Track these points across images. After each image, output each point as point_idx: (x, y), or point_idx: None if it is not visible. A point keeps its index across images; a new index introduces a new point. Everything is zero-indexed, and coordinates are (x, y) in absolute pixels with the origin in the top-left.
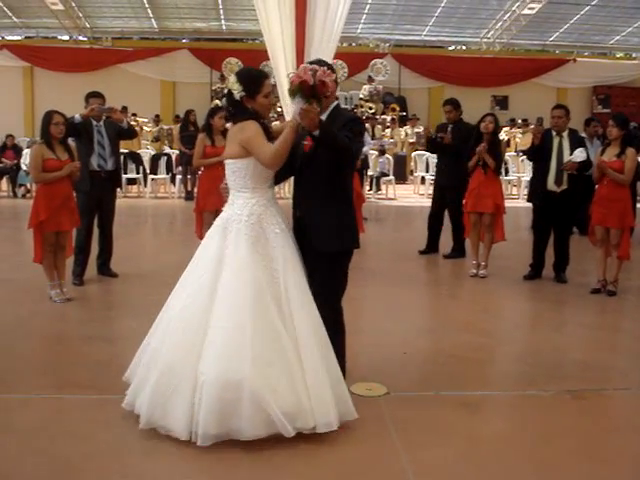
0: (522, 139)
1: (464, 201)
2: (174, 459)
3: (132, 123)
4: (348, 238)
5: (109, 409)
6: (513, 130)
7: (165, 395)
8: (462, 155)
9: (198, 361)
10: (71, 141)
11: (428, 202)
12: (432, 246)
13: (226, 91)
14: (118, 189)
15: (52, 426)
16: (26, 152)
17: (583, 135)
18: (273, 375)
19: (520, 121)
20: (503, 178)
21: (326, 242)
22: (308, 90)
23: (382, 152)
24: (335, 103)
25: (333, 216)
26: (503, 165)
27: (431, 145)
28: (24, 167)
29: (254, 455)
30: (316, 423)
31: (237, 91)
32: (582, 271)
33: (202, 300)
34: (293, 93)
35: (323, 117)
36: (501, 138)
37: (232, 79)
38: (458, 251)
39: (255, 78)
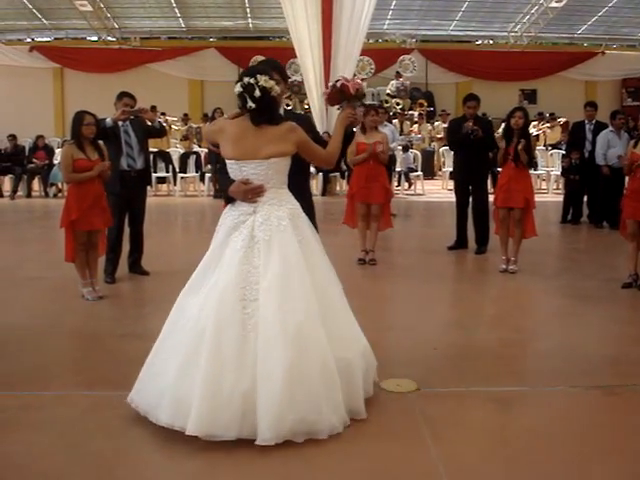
0: (551, 133)
1: (493, 196)
2: (205, 455)
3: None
4: None
5: None
6: (542, 125)
7: (352, 388)
8: (487, 148)
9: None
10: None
11: None
12: (461, 242)
13: (258, 93)
14: (148, 187)
15: (85, 422)
16: (59, 151)
17: (611, 128)
18: None
19: (548, 115)
20: (532, 173)
21: None
22: (363, 95)
23: (405, 148)
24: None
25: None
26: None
27: (460, 141)
28: (56, 163)
29: (285, 451)
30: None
31: (276, 89)
32: (613, 265)
33: (312, 297)
34: (356, 99)
35: None
36: (532, 134)
37: (264, 78)
38: (484, 244)
39: (285, 72)
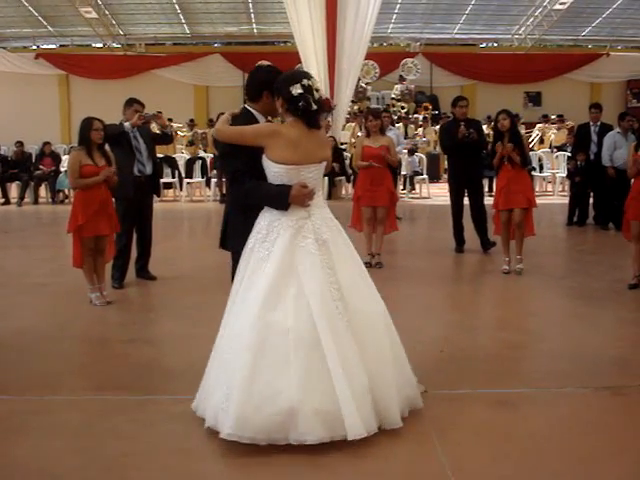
0: (557, 135)
1: (493, 200)
2: (216, 459)
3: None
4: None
5: (151, 409)
6: (547, 126)
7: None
8: (480, 148)
9: None
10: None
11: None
12: (460, 242)
13: (317, 95)
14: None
15: (96, 426)
16: (65, 158)
17: (618, 130)
18: None
19: (553, 117)
20: (538, 175)
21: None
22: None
23: (411, 151)
24: None
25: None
26: (537, 162)
27: (455, 144)
28: (63, 169)
29: (290, 455)
30: None
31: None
32: (619, 266)
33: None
34: (330, 111)
35: None
36: (534, 135)
37: (316, 81)
38: (488, 242)
39: None
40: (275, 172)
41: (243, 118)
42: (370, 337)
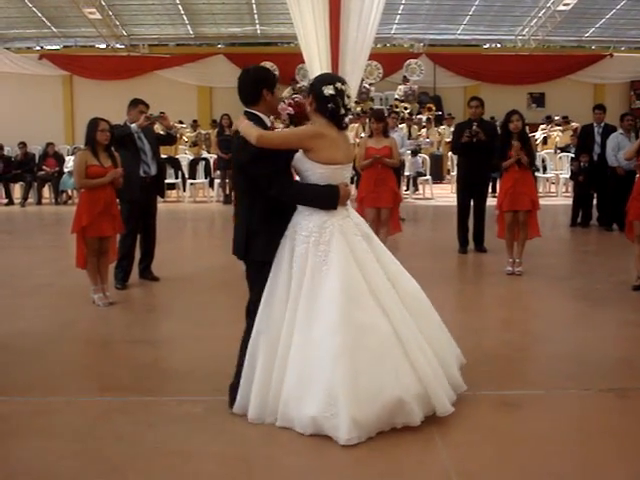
0: (562, 137)
1: (497, 201)
2: (220, 460)
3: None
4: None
5: (153, 411)
6: (552, 127)
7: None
8: (490, 151)
9: None
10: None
11: None
12: (465, 243)
13: (347, 100)
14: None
15: (97, 428)
16: (69, 158)
17: (620, 131)
18: None
19: (557, 118)
20: (541, 176)
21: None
22: None
23: (414, 152)
24: None
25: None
26: (541, 163)
27: (461, 144)
28: (66, 170)
29: (296, 458)
30: None
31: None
32: (623, 268)
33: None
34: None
35: None
36: (538, 136)
37: (349, 87)
38: (483, 242)
39: None
40: (322, 173)
41: (255, 124)
42: (425, 317)
